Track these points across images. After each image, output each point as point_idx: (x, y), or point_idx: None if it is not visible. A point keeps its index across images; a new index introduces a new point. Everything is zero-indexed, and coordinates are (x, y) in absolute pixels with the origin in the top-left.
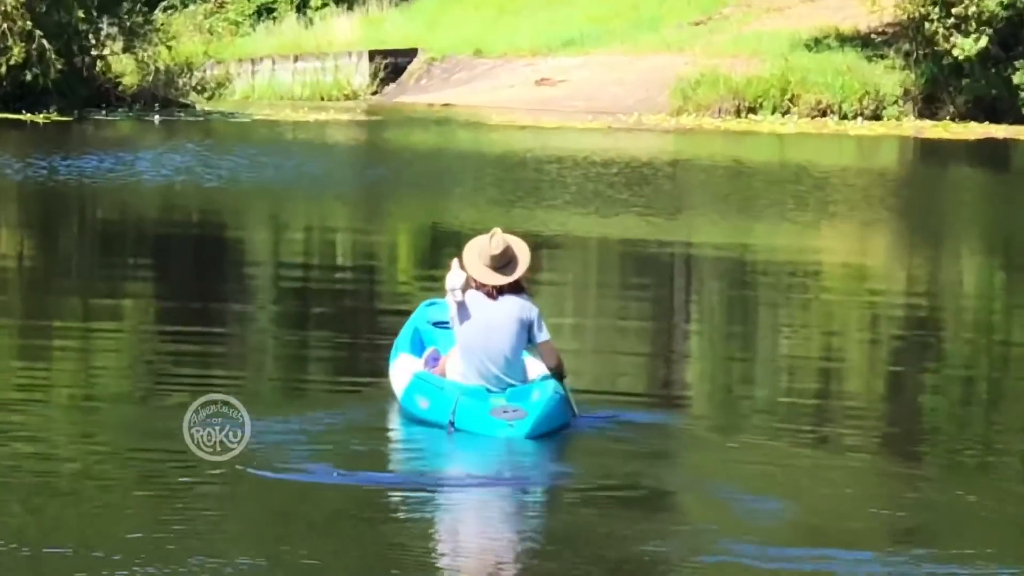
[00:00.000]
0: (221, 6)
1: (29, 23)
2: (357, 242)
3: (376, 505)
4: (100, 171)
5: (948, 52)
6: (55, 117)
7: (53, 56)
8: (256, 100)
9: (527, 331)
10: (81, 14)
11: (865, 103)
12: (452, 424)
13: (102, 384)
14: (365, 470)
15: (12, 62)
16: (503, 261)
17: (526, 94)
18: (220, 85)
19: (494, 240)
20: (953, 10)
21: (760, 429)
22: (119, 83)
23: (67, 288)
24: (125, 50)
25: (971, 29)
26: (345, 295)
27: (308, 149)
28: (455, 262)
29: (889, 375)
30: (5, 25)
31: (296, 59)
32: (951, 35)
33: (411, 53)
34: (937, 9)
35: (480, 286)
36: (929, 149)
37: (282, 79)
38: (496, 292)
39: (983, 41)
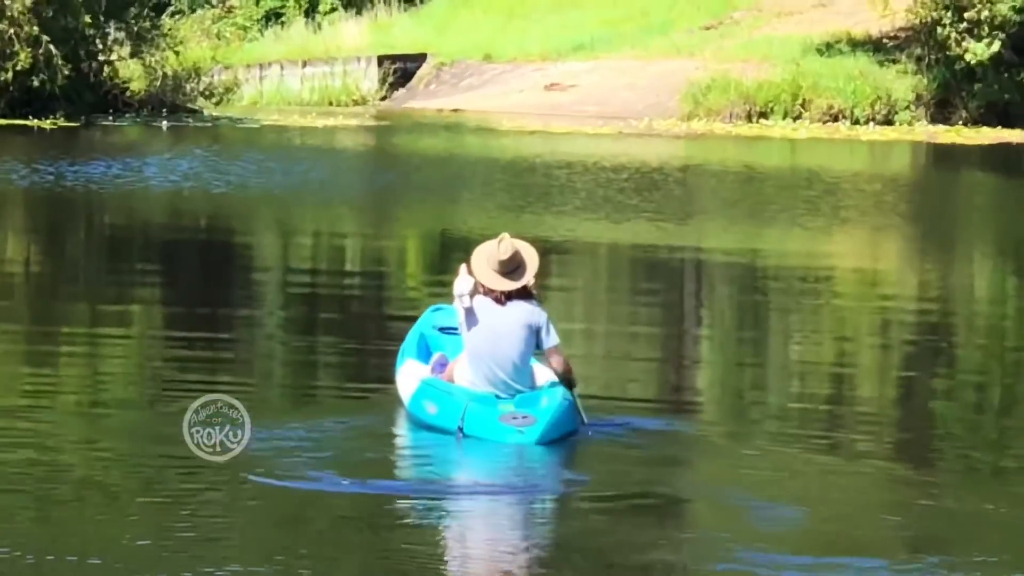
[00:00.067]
0: (229, 11)
1: (36, 28)
2: (365, 248)
3: (384, 512)
4: (107, 177)
5: (960, 57)
6: (62, 123)
7: (60, 61)
8: (264, 105)
9: (535, 336)
10: (88, 19)
11: (877, 108)
12: (461, 430)
13: (109, 390)
14: (373, 477)
15: (19, 67)
16: (511, 266)
17: (536, 99)
18: (228, 90)
19: (502, 245)
20: (965, 15)
21: (772, 435)
22: (126, 88)
23: (74, 294)
24: (132, 55)
25: (983, 34)
26: (353, 301)
27: (316, 155)
28: (463, 267)
29: (901, 381)
30: (12, 31)
31: (304, 64)
32: (963, 40)
33: (420, 58)
34: (949, 14)
35: (488, 291)
36: (941, 154)
37: (290, 84)
38: (504, 297)
39: (996, 46)
